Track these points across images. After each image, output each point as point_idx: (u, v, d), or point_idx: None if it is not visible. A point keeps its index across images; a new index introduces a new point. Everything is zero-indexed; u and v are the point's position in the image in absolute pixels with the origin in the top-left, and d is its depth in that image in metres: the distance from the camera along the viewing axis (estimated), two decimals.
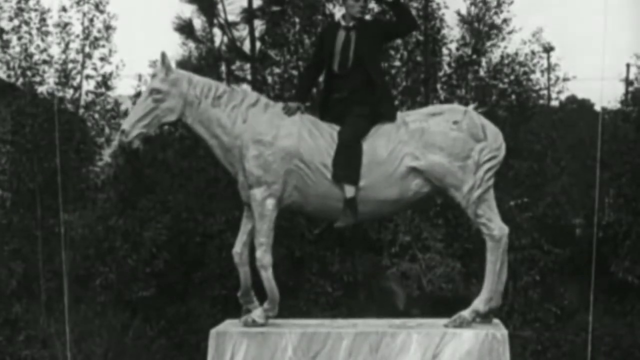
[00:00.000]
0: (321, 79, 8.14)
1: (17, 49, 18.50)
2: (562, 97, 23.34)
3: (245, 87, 19.68)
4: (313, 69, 8.09)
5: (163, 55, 7.52)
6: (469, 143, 7.37)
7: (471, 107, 20.03)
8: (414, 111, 7.76)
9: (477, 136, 7.41)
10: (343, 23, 7.74)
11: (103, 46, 18.71)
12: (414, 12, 19.78)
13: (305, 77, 8.28)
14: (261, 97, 7.72)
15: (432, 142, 7.35)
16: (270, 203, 7.37)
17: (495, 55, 20.21)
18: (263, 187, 7.37)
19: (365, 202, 7.38)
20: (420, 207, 15.73)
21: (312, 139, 7.44)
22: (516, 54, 20.09)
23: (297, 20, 19.94)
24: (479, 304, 7.42)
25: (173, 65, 7.84)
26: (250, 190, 7.41)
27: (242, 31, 20.85)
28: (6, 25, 18.50)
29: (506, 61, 20.08)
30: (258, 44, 20.71)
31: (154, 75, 7.63)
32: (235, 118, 7.48)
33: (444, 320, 7.46)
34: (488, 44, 20.19)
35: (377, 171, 7.35)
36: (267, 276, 7.41)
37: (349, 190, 7.33)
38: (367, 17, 8.46)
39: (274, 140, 7.40)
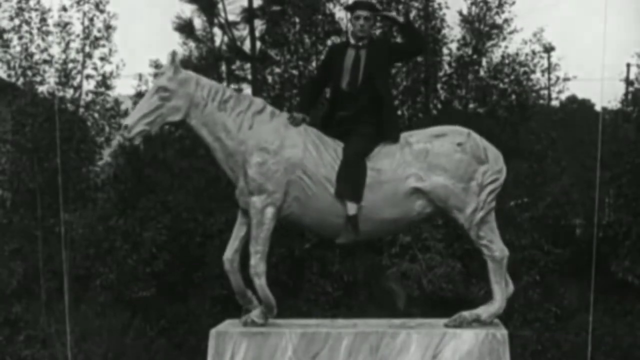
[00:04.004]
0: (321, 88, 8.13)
1: (18, 48, 18.51)
2: (563, 97, 23.39)
3: (249, 92, 19.71)
4: (317, 84, 8.08)
5: (173, 54, 7.49)
6: (472, 165, 7.41)
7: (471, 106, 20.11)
8: (417, 131, 7.72)
9: (480, 158, 7.45)
10: (352, 42, 7.72)
11: (103, 46, 18.71)
12: (414, 12, 19.81)
13: (309, 90, 8.21)
14: (267, 105, 7.68)
15: (436, 164, 7.38)
16: (270, 212, 7.35)
17: (496, 55, 20.23)
18: (264, 196, 7.34)
19: (366, 220, 7.39)
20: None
21: (317, 152, 7.44)
22: (517, 54, 20.10)
23: (297, 20, 19.95)
24: (483, 313, 7.45)
25: None
26: (250, 197, 7.37)
27: (242, 31, 20.89)
28: (7, 24, 18.52)
29: (507, 61, 20.08)
30: (258, 44, 20.73)
31: (162, 73, 7.55)
32: (241, 124, 7.44)
33: (444, 320, 7.48)
34: (489, 44, 20.18)
35: (380, 191, 7.36)
36: (261, 284, 7.38)
37: (351, 208, 7.33)
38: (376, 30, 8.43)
39: (279, 149, 7.38)
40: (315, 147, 7.45)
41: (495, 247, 7.43)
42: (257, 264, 7.37)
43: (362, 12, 7.66)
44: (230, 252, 7.54)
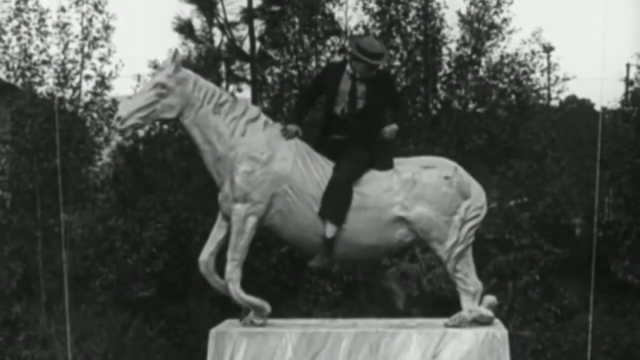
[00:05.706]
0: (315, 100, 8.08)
1: (17, 49, 18.51)
2: (562, 96, 23.37)
3: (248, 92, 19.73)
4: (310, 96, 8.02)
5: (175, 52, 7.47)
6: (456, 200, 7.46)
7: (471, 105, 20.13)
8: (406, 160, 7.69)
9: (465, 194, 7.51)
10: (350, 71, 7.59)
11: (102, 46, 18.73)
12: (414, 11, 19.84)
13: (301, 101, 8.13)
14: (262, 114, 7.64)
15: (422, 195, 7.40)
16: (252, 221, 7.35)
17: (495, 55, 20.26)
18: (248, 205, 7.33)
19: (345, 244, 7.39)
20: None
21: (306, 168, 7.42)
22: (516, 53, 20.12)
23: (296, 20, 19.95)
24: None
25: None
26: (233, 205, 7.36)
27: (242, 31, 20.89)
28: (5, 25, 18.51)
29: (506, 61, 20.09)
30: (258, 44, 20.73)
31: (161, 70, 7.54)
32: (234, 129, 7.43)
33: (444, 320, 7.49)
34: (488, 43, 20.21)
35: (363, 216, 7.36)
36: (235, 288, 7.39)
37: (330, 230, 7.32)
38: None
39: (268, 160, 7.37)
40: (304, 163, 7.43)
41: (469, 281, 7.48)
42: (233, 270, 7.40)
43: (373, 61, 7.47)
44: (206, 255, 7.55)
